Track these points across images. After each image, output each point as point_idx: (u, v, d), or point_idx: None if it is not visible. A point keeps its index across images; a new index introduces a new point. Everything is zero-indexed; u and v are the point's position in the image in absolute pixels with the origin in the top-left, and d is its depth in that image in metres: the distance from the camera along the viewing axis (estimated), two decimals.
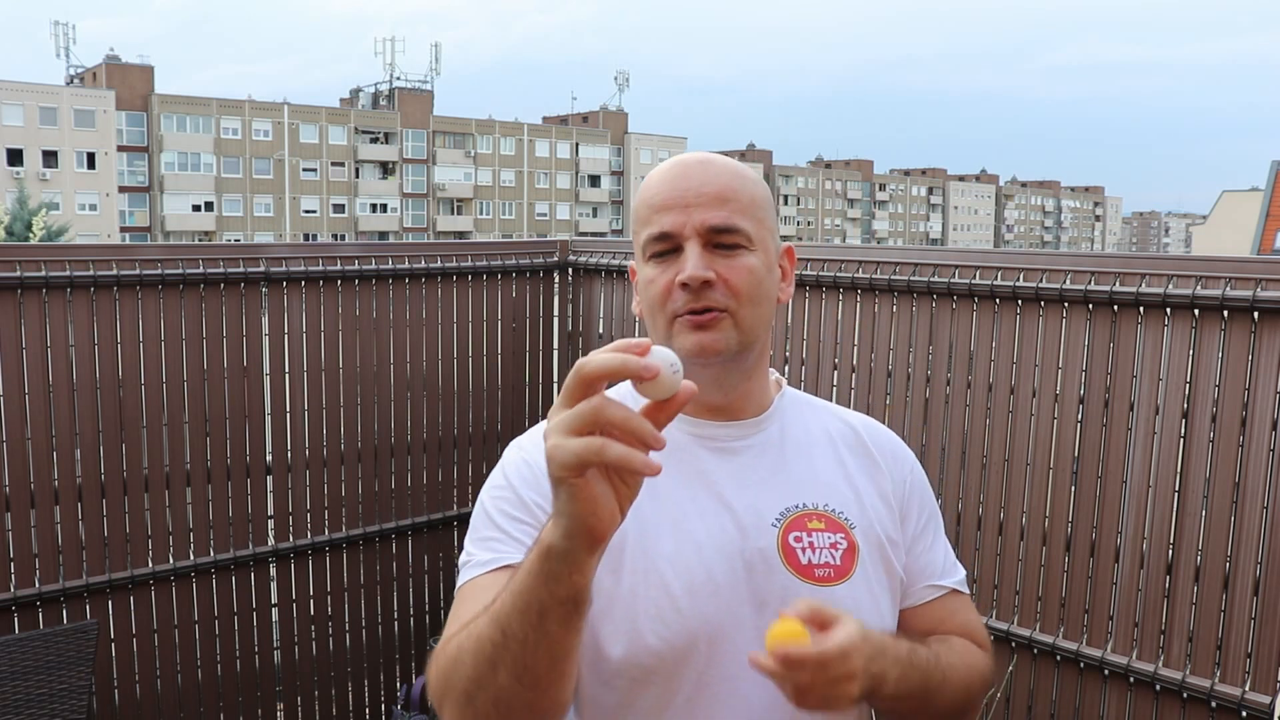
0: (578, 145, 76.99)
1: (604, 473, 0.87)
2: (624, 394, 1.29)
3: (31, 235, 18.32)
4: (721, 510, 1.19)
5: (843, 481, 1.27)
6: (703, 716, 1.16)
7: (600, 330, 4.22)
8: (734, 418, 1.25)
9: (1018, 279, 2.93)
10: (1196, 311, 2.62)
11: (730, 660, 1.15)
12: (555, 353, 4.32)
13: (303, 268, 3.54)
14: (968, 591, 1.37)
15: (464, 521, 4.10)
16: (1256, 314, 2.53)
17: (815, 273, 3.40)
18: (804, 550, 1.19)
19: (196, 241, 40.46)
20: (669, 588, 1.15)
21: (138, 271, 3.20)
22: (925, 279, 3.13)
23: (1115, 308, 2.76)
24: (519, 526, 1.16)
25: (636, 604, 1.14)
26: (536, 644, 0.93)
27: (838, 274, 3.35)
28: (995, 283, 2.97)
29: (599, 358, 0.85)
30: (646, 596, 1.14)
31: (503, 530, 1.17)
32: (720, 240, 1.18)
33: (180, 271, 3.28)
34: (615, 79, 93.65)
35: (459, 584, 1.18)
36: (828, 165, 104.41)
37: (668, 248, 1.19)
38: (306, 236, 62.72)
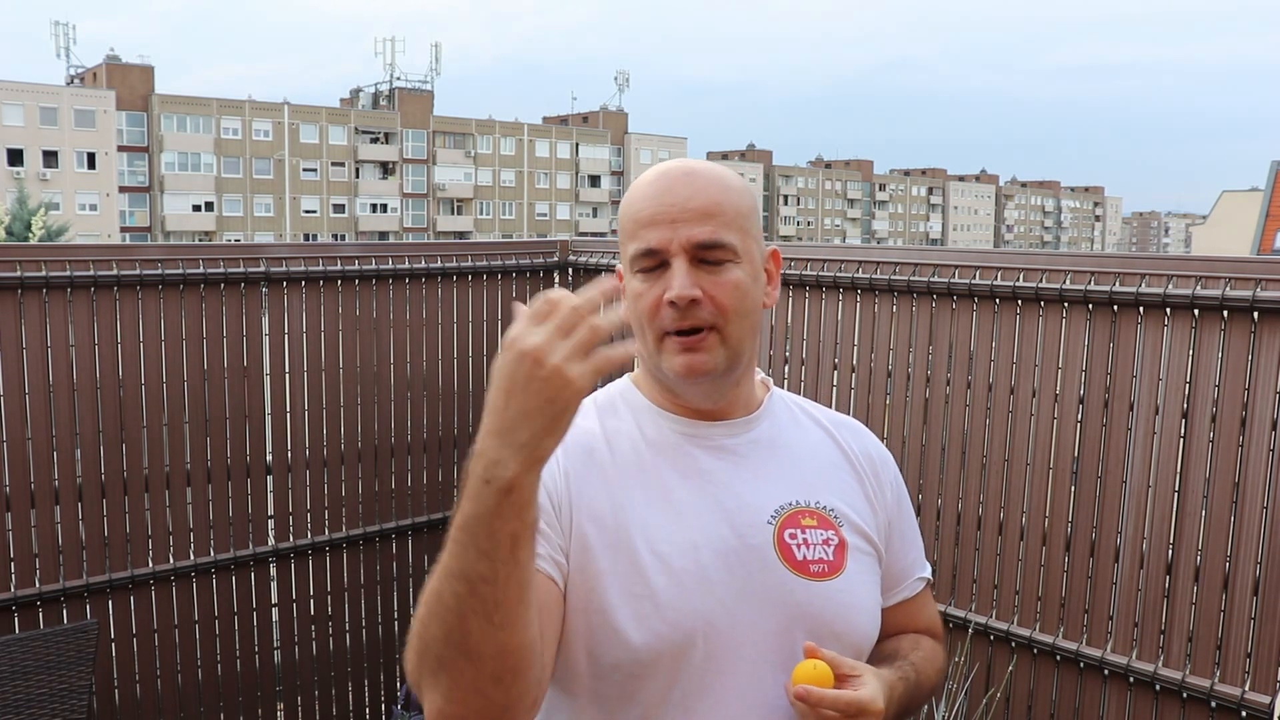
0: (578, 145, 77.01)
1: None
2: (614, 395, 1.30)
3: (31, 235, 18.30)
4: (716, 509, 1.22)
5: (830, 480, 1.31)
6: (699, 711, 1.18)
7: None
8: (724, 418, 1.28)
9: (1018, 279, 2.93)
10: (1196, 311, 2.62)
11: (726, 656, 1.18)
12: None
13: (303, 268, 3.55)
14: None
15: None
16: (1256, 314, 2.53)
17: (815, 273, 3.40)
18: (799, 547, 1.23)
19: (196, 241, 40.49)
20: (664, 583, 1.17)
21: (138, 271, 3.20)
22: (925, 279, 3.13)
23: (1115, 308, 2.76)
24: None
25: (631, 598, 1.16)
26: (508, 578, 0.95)
27: (838, 274, 3.35)
28: (995, 283, 2.97)
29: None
30: (642, 593, 1.16)
31: None
32: (706, 256, 1.18)
33: (180, 271, 3.28)
34: (615, 79, 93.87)
35: None
36: (828, 165, 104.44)
37: (654, 263, 1.19)
38: (306, 236, 62.72)
